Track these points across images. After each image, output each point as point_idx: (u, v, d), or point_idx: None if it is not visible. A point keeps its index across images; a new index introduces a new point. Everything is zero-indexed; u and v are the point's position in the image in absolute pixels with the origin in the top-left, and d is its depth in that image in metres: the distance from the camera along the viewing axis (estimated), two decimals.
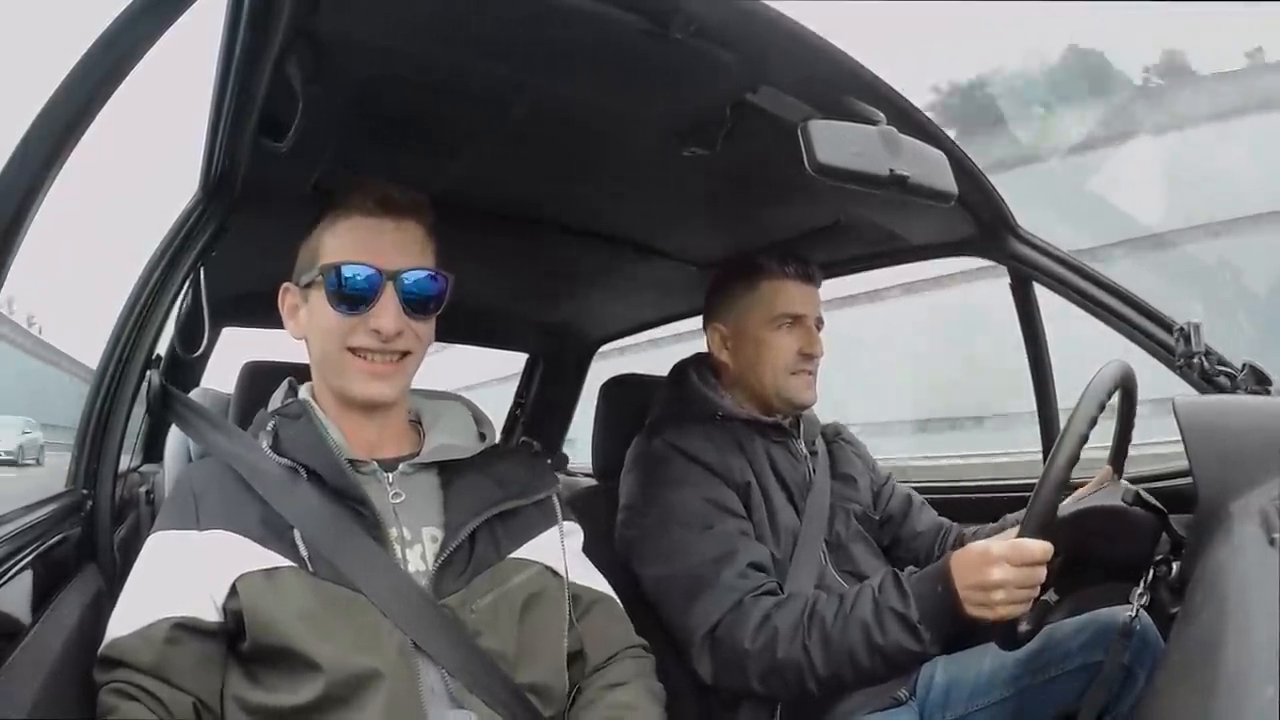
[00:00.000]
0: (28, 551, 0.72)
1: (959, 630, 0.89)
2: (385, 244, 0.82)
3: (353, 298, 0.81)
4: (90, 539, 0.89)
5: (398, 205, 0.84)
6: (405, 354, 0.84)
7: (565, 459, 2.01)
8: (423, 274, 0.83)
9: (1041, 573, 0.82)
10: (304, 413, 0.84)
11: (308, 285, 0.85)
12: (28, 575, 0.71)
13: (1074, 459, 0.81)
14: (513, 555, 0.84)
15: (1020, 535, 0.83)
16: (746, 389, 1.20)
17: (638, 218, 1.24)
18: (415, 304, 0.83)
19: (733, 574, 1.01)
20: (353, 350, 0.82)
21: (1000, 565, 0.82)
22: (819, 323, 1.20)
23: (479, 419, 0.94)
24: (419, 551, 0.81)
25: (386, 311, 0.81)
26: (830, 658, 0.93)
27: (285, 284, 0.88)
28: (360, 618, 0.74)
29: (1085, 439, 0.81)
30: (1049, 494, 0.81)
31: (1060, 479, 0.81)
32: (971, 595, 0.85)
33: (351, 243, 0.82)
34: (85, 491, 0.88)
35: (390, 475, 0.84)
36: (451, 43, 0.71)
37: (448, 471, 0.86)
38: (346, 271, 0.81)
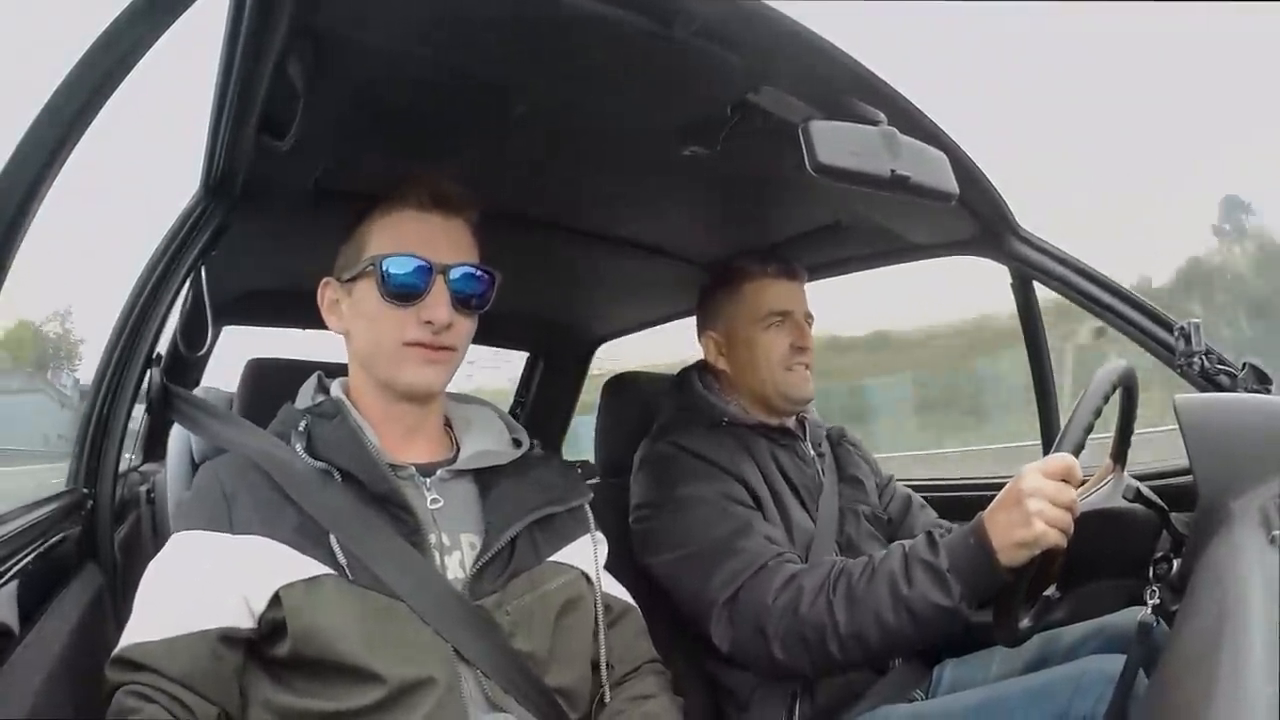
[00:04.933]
0: (28, 550, 0.72)
1: (991, 587, 0.85)
2: (437, 239, 0.83)
3: (404, 290, 0.81)
4: (91, 538, 0.89)
5: (449, 200, 0.85)
6: (452, 348, 0.85)
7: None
8: (473, 269, 0.84)
9: (1071, 491, 0.81)
10: (339, 412, 0.83)
11: (352, 279, 0.85)
12: (28, 574, 0.71)
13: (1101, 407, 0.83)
14: (551, 559, 0.84)
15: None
16: (747, 392, 1.20)
17: (638, 216, 1.24)
18: (464, 299, 0.84)
19: (753, 543, 1.01)
20: (407, 344, 0.82)
21: (1031, 475, 0.82)
22: (808, 318, 1.21)
23: (509, 424, 0.94)
24: (458, 559, 0.80)
25: (439, 303, 0.81)
26: (854, 614, 0.90)
27: (325, 279, 0.88)
28: (404, 626, 0.73)
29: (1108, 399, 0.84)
30: (1082, 418, 0.82)
31: (1094, 407, 0.83)
32: (1005, 519, 0.82)
33: (402, 236, 0.83)
34: (86, 490, 0.88)
35: (428, 480, 0.83)
36: (453, 42, 0.71)
37: (485, 477, 0.86)
38: (398, 263, 0.81)
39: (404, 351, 0.82)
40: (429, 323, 0.81)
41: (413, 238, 0.83)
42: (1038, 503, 0.80)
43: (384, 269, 0.81)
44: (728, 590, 0.98)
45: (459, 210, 0.85)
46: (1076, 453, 0.82)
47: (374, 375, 0.85)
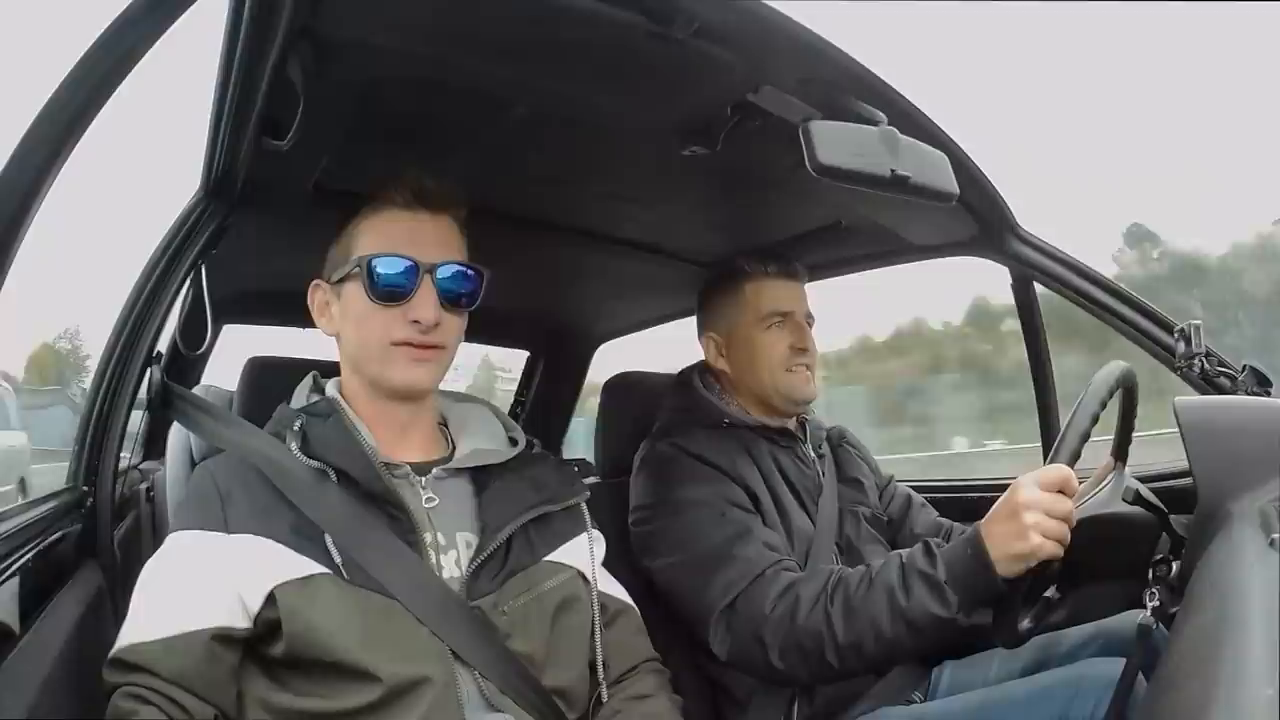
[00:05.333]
0: (28, 548, 0.72)
1: (989, 596, 0.85)
2: (423, 237, 0.83)
3: (391, 290, 0.81)
4: (91, 536, 0.89)
5: (434, 198, 0.84)
6: (441, 347, 0.84)
7: None
8: (459, 267, 0.84)
9: (1067, 503, 0.81)
10: (334, 412, 0.83)
11: (340, 280, 0.84)
12: (28, 571, 0.71)
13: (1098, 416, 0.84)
14: (547, 559, 0.84)
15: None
16: (748, 393, 1.20)
17: (638, 217, 1.24)
18: (452, 297, 0.83)
19: (751, 550, 1.00)
20: (395, 343, 0.82)
21: (1028, 487, 0.82)
22: (809, 318, 1.21)
23: (505, 423, 0.94)
24: (454, 557, 0.80)
25: (426, 302, 0.81)
26: (852, 624, 0.90)
27: (315, 280, 0.88)
28: (399, 625, 0.73)
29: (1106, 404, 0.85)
30: (1079, 425, 0.82)
31: (1091, 413, 0.83)
32: (1002, 531, 0.82)
33: (388, 236, 0.83)
34: (86, 488, 0.88)
35: (424, 479, 0.83)
36: (452, 43, 0.71)
37: (481, 476, 0.86)
38: (385, 264, 0.81)
39: (392, 351, 0.82)
40: (416, 322, 0.81)
41: (399, 237, 0.82)
42: (1034, 515, 0.80)
43: (371, 269, 0.81)
44: (725, 599, 0.98)
45: (445, 208, 0.85)
46: (1073, 462, 0.82)
47: (364, 375, 0.85)
